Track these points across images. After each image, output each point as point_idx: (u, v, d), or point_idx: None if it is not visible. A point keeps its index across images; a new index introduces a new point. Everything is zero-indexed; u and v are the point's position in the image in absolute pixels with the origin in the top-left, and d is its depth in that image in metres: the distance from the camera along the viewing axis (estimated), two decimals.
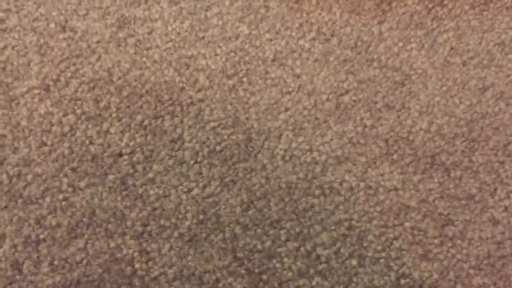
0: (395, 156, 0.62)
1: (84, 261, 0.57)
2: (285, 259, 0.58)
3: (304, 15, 0.67)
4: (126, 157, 0.60)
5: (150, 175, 0.60)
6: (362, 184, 0.61)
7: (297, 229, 0.59)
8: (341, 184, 0.61)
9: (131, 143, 0.61)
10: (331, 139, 0.62)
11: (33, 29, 0.64)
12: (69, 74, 0.62)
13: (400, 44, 0.67)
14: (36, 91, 0.61)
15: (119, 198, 0.59)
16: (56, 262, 0.57)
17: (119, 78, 0.63)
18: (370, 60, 0.66)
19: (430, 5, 0.68)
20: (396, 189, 0.61)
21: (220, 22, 0.66)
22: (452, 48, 0.67)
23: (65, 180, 0.59)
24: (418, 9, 0.68)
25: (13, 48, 0.63)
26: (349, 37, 0.67)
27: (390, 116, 0.64)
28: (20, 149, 0.59)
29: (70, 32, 0.64)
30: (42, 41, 0.63)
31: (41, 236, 0.57)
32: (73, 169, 0.59)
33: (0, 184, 0.58)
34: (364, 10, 0.68)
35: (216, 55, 0.65)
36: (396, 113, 0.64)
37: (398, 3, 0.68)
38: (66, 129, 0.60)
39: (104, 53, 0.64)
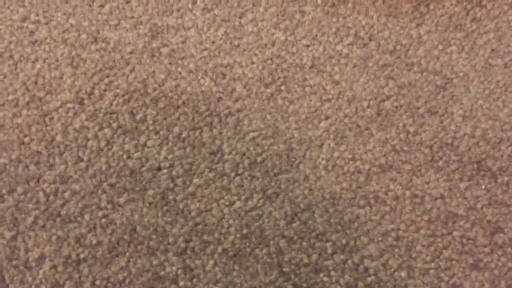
0: (440, 163, 0.60)
1: (127, 280, 0.55)
2: (333, 273, 0.57)
3: (341, 19, 0.65)
4: (165, 171, 0.58)
5: (191, 189, 0.58)
6: (408, 193, 0.59)
7: (344, 241, 0.58)
8: (386, 193, 0.59)
9: (170, 156, 0.59)
10: (374, 147, 0.61)
11: (64, 40, 0.62)
12: (103, 87, 0.60)
13: (440, 47, 0.65)
14: (70, 105, 0.59)
15: (159, 214, 0.57)
16: (98, 282, 0.55)
17: (155, 89, 0.61)
18: (410, 64, 0.64)
19: (469, 6, 0.66)
20: (442, 197, 0.59)
21: (255, 29, 0.64)
22: (492, 50, 0.65)
23: (104, 196, 0.57)
24: (456, 11, 0.66)
25: (44, 61, 0.61)
26: (387, 41, 0.65)
27: (433, 121, 0.62)
28: (56, 165, 0.58)
29: (102, 43, 0.62)
30: (74, 53, 0.61)
31: (82, 256, 0.55)
32: (111, 185, 0.57)
33: (37, 202, 0.56)
34: (401, 13, 0.66)
35: (253, 63, 0.63)
36: (439, 118, 0.62)
37: (436, 4, 0.66)
38: (103, 143, 0.58)
39: (138, 64, 0.62)
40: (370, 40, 0.65)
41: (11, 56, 0.61)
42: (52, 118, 0.59)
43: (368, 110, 0.62)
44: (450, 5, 0.66)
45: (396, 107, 0.63)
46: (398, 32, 0.65)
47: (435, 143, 0.61)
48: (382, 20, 0.65)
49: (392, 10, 0.66)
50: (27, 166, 0.57)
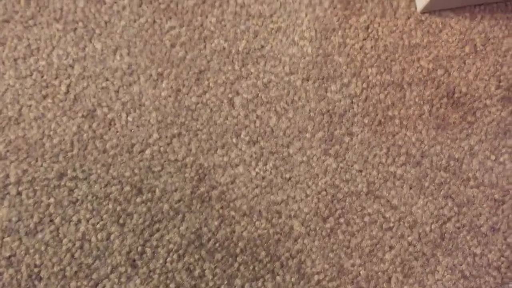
0: (510, 285, 0.59)
1: None
2: None
3: (390, 137, 0.63)
4: None
5: None
6: None
7: None
8: None
9: None
10: (443, 276, 0.58)
11: (106, 195, 0.57)
12: (154, 243, 0.56)
13: (493, 157, 0.63)
14: (122, 269, 0.55)
15: None
16: None
17: (209, 239, 0.57)
18: (465, 179, 0.62)
19: None
20: None
21: (304, 158, 0.61)
22: None
23: None
24: (503, 116, 0.65)
25: (87, 221, 0.56)
26: (439, 157, 0.63)
27: (497, 239, 0.60)
28: None
29: (147, 194, 0.58)
30: (118, 208, 0.57)
31: None
32: None
33: None
34: (449, 124, 0.64)
35: (307, 196, 0.60)
36: (502, 235, 0.61)
37: (483, 112, 0.65)
38: None
39: (188, 212, 0.58)
40: (422, 157, 0.63)
41: (52, 221, 0.56)
42: (104, 286, 0.54)
43: (431, 234, 0.60)
44: (496, 111, 0.65)
45: (459, 228, 0.60)
46: (449, 145, 0.63)
47: (502, 263, 0.59)
48: (432, 134, 0.63)
49: (439, 122, 0.64)
50: None
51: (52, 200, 0.56)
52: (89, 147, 0.58)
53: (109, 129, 0.59)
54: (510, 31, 0.68)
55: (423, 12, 0.67)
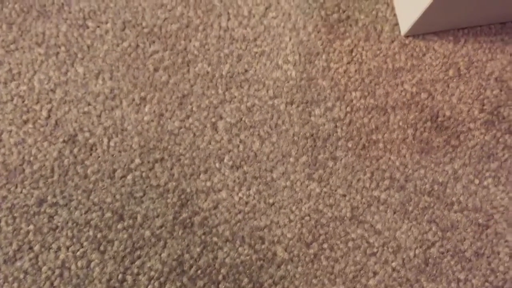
0: None
1: None
2: None
3: (374, 162, 0.63)
4: None
5: None
6: None
7: None
8: None
9: None
10: None
11: (87, 222, 0.57)
12: (135, 270, 0.56)
13: (476, 181, 0.63)
14: None
15: None
16: None
17: (191, 266, 0.56)
18: (449, 204, 0.62)
19: (498, 134, 0.65)
20: None
21: (288, 183, 0.61)
22: None
23: None
24: (487, 140, 0.65)
25: (67, 249, 0.56)
26: (423, 181, 0.63)
27: (481, 264, 0.60)
28: None
29: (129, 220, 0.57)
30: (99, 235, 0.56)
31: None
32: None
33: None
34: (433, 148, 0.64)
35: (290, 221, 0.60)
36: (486, 260, 0.60)
37: (466, 135, 0.65)
38: None
39: (170, 239, 0.57)
40: (406, 181, 0.62)
41: (31, 248, 0.55)
42: None
43: (415, 259, 0.60)
44: (480, 134, 0.65)
45: (443, 253, 0.60)
46: (433, 169, 0.63)
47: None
48: (416, 158, 0.63)
49: (423, 146, 0.64)
50: None
51: (31, 227, 0.56)
52: (70, 172, 0.58)
53: (91, 154, 0.59)
54: (494, 54, 0.68)
55: (406, 36, 0.67)
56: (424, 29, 0.66)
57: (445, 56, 0.67)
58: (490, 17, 0.67)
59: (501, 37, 0.69)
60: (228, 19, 0.65)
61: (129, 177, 0.59)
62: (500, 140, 0.65)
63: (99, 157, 0.58)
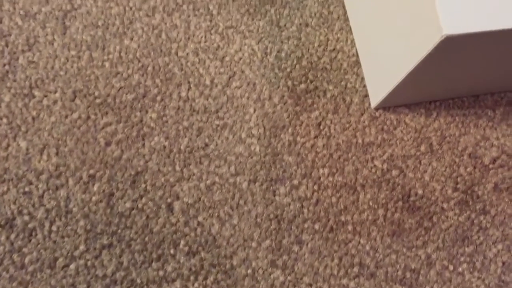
0: None
1: None
2: None
3: (342, 246, 0.58)
4: None
5: None
6: None
7: None
8: None
9: None
10: None
11: None
12: None
13: (451, 267, 0.60)
14: None
15: None
16: None
17: None
18: None
19: (473, 215, 0.62)
20: None
21: (249, 271, 0.56)
22: (503, 264, 0.60)
23: None
24: (461, 221, 0.62)
25: None
26: (395, 267, 0.59)
27: None
28: None
29: None
30: None
31: None
32: None
33: None
34: (405, 230, 0.60)
35: None
36: None
37: (439, 216, 0.61)
38: None
39: None
40: (377, 268, 0.58)
41: None
42: None
43: None
44: (453, 215, 0.61)
45: None
46: (405, 254, 0.59)
47: None
48: (386, 241, 0.59)
49: (395, 228, 0.60)
50: None
51: None
52: (5, 262, 0.52)
53: (29, 241, 0.53)
54: (467, 128, 0.65)
55: (377, 109, 0.64)
56: (394, 101, 0.63)
57: (417, 130, 0.64)
58: (463, 91, 0.65)
59: (474, 110, 0.66)
60: (189, 89, 0.61)
61: (72, 266, 0.53)
62: (474, 221, 0.62)
63: (39, 243, 0.53)
